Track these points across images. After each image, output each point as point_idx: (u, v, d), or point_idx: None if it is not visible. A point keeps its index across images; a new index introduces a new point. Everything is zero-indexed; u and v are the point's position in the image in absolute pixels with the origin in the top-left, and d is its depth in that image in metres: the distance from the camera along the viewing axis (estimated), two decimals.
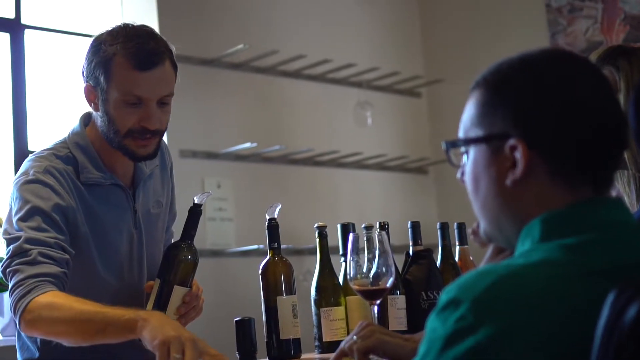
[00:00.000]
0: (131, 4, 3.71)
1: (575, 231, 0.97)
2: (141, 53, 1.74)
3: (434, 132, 4.53)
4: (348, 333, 1.98)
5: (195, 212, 1.82)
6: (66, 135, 1.88)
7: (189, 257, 1.81)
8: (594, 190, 1.00)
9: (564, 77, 1.00)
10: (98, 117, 1.82)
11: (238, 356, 1.92)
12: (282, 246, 2.02)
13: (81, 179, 1.82)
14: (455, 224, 2.27)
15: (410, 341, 1.46)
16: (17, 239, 1.70)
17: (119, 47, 1.74)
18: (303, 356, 1.96)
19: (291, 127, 4.00)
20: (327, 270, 2.05)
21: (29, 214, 1.73)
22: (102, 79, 1.76)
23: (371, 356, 1.47)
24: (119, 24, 1.80)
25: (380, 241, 1.75)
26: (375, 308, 1.75)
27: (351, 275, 1.74)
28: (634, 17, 3.94)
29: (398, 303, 2.05)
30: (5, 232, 1.76)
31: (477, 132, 1.03)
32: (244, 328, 1.93)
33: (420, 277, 2.09)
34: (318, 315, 2.01)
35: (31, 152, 1.89)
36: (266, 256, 1.99)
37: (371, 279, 1.73)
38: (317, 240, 2.06)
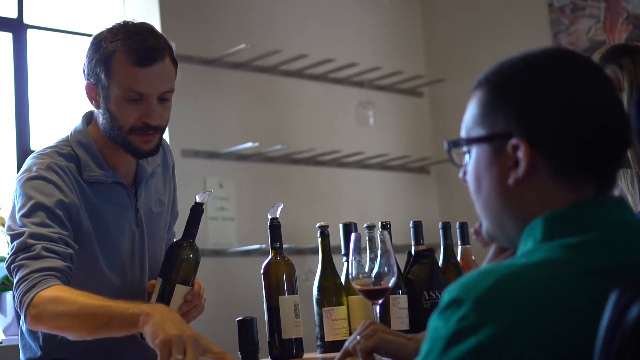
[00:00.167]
0: (133, 4, 3.71)
1: (577, 231, 0.97)
2: (141, 49, 1.75)
3: (436, 132, 4.53)
4: (350, 333, 1.99)
5: (196, 211, 1.82)
6: (69, 133, 1.88)
7: (191, 255, 1.82)
8: (596, 190, 1.00)
9: (566, 76, 1.00)
10: (100, 114, 1.83)
11: (240, 356, 1.92)
12: (284, 246, 2.02)
13: (83, 177, 1.83)
14: (457, 223, 2.27)
15: (413, 340, 1.46)
16: (21, 234, 1.71)
17: (119, 44, 1.75)
18: (305, 356, 1.96)
19: (293, 126, 4.00)
20: (329, 270, 2.05)
21: (32, 210, 1.73)
22: (102, 76, 1.77)
23: (376, 356, 1.47)
24: (119, 21, 1.81)
25: (382, 241, 1.75)
26: (377, 308, 1.75)
27: (353, 274, 1.74)
28: (637, 17, 3.93)
29: (400, 303, 2.05)
30: (9, 228, 1.76)
31: (479, 132, 1.03)
32: (246, 328, 1.93)
33: (422, 276, 2.09)
34: (320, 314, 2.01)
35: (33, 152, 1.89)
36: (268, 256, 1.99)
37: (373, 279, 1.73)
38: (319, 239, 2.06)
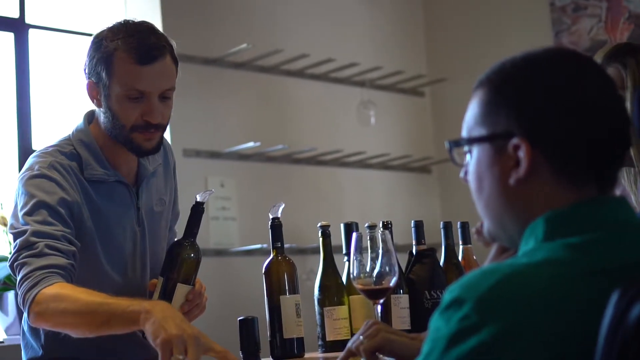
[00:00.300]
0: (135, 4, 3.71)
1: (578, 230, 0.97)
2: (142, 47, 1.75)
3: (437, 131, 4.53)
4: (351, 332, 1.99)
5: (197, 210, 1.82)
6: (70, 132, 1.89)
7: (192, 255, 1.82)
8: (598, 190, 1.00)
9: (567, 76, 1.00)
10: (101, 113, 1.83)
11: (241, 355, 1.92)
12: (286, 245, 2.02)
13: (85, 175, 1.83)
14: (458, 223, 2.27)
15: (417, 340, 1.46)
16: (24, 232, 1.71)
17: (120, 42, 1.76)
18: (306, 355, 1.97)
19: (294, 126, 4.00)
20: (331, 270, 2.05)
21: (35, 208, 1.73)
22: (104, 74, 1.77)
23: (380, 356, 1.48)
24: (119, 20, 1.81)
25: (384, 240, 1.75)
26: (379, 307, 1.75)
27: (354, 274, 1.74)
28: (638, 16, 3.93)
29: (401, 302, 2.05)
30: (12, 227, 1.77)
31: (480, 131, 1.03)
32: (247, 327, 1.93)
33: (423, 276, 2.09)
34: (321, 314, 2.01)
35: (35, 151, 1.89)
36: (269, 255, 1.99)
37: (374, 278, 1.73)
38: (321, 239, 2.06)
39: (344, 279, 2.05)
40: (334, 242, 2.08)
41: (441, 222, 2.22)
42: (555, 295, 0.90)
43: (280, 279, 1.96)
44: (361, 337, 1.47)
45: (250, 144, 3.67)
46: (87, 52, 1.82)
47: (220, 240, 3.65)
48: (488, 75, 1.04)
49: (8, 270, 2.42)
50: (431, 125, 4.57)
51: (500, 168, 1.02)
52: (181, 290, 1.80)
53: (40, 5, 3.57)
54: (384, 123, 4.29)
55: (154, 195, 1.95)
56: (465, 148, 1.07)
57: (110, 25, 1.81)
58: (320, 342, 2.02)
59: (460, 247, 2.27)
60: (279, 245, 1.98)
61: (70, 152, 1.84)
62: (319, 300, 2.03)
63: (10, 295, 2.89)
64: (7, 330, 2.96)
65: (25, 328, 1.90)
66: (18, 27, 3.45)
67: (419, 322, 2.03)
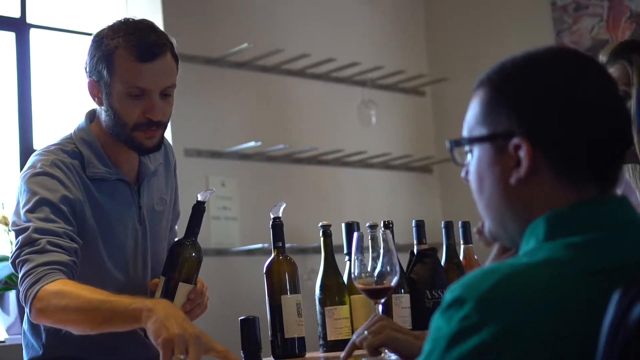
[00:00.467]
0: (136, 3, 3.71)
1: (579, 230, 0.97)
2: (142, 45, 1.76)
3: (438, 131, 4.53)
4: (352, 332, 1.99)
5: (198, 209, 1.83)
6: (72, 131, 1.89)
7: (193, 254, 1.82)
8: (598, 189, 1.00)
9: (568, 75, 1.00)
10: (102, 111, 1.84)
11: (242, 355, 1.92)
12: (287, 245, 2.02)
13: (87, 174, 1.83)
14: (459, 222, 2.27)
15: (421, 338, 1.47)
16: (26, 229, 1.71)
17: (120, 40, 1.76)
18: (307, 355, 1.97)
19: (295, 126, 4.01)
20: (332, 269, 2.05)
21: (37, 205, 1.74)
22: (105, 72, 1.78)
23: (384, 352, 1.48)
24: (119, 19, 1.82)
25: (385, 240, 1.75)
26: (380, 307, 1.75)
27: (355, 274, 1.74)
28: None
29: (402, 302, 2.05)
30: (14, 224, 1.77)
31: (481, 131, 1.03)
32: (249, 327, 1.93)
33: (424, 276, 2.09)
34: (322, 314, 2.01)
35: (36, 150, 1.90)
36: (270, 255, 1.99)
37: (375, 278, 1.73)
38: (322, 239, 2.06)
39: (345, 278, 2.05)
40: (335, 241, 2.08)
41: (442, 222, 2.22)
42: (556, 295, 0.90)
43: (282, 278, 1.96)
44: (366, 332, 1.47)
45: (251, 143, 3.67)
46: (88, 51, 1.83)
47: (221, 239, 3.65)
48: (489, 75, 1.04)
49: (9, 270, 2.42)
50: (432, 124, 4.57)
51: (501, 168, 1.02)
52: (183, 289, 1.80)
53: (42, 4, 3.57)
54: (384, 123, 4.29)
55: (155, 194, 1.95)
56: (466, 148, 1.07)
57: (111, 23, 1.82)
58: (321, 342, 2.02)
59: (462, 246, 2.27)
60: (280, 244, 1.98)
61: (72, 150, 1.85)
62: (320, 299, 2.03)
63: (12, 295, 2.89)
64: (8, 330, 2.96)
65: (26, 327, 1.90)
66: (19, 26, 3.45)
67: (420, 321, 2.03)
